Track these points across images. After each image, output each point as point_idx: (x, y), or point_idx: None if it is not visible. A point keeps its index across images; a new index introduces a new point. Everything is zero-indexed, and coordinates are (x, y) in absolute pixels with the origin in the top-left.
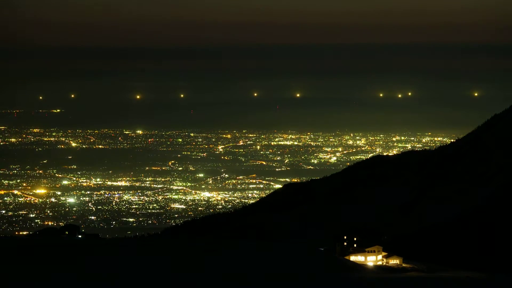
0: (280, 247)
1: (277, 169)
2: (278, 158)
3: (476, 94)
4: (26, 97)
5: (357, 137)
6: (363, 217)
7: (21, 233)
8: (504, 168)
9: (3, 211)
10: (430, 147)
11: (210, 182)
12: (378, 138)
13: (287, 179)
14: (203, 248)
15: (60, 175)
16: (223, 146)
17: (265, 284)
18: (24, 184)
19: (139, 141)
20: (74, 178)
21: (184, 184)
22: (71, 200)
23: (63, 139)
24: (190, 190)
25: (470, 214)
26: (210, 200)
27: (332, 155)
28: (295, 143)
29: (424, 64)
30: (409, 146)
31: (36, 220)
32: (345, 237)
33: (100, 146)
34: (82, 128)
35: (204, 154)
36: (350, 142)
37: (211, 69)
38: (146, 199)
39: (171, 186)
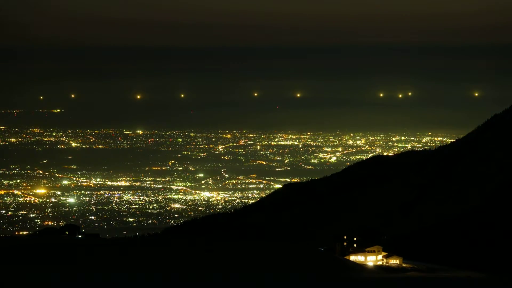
0: (280, 247)
1: (277, 169)
2: (278, 158)
3: (476, 94)
4: (26, 97)
5: (357, 137)
6: (363, 217)
7: (21, 233)
8: (504, 168)
9: (3, 211)
10: (430, 147)
11: (210, 182)
12: (378, 138)
13: (287, 179)
14: (203, 248)
15: (60, 175)
16: (223, 146)
17: (265, 284)
18: (24, 184)
19: (139, 141)
20: (74, 178)
21: (184, 184)
22: (71, 200)
23: (63, 139)
24: (190, 190)
25: (470, 214)
26: (210, 200)
27: (332, 155)
28: (295, 143)
29: (424, 64)
30: (409, 146)
31: (36, 220)
32: (345, 237)
33: (100, 146)
34: (82, 128)
35: (204, 154)
36: (350, 142)
37: (211, 69)
38: (146, 199)
39: (171, 186)
